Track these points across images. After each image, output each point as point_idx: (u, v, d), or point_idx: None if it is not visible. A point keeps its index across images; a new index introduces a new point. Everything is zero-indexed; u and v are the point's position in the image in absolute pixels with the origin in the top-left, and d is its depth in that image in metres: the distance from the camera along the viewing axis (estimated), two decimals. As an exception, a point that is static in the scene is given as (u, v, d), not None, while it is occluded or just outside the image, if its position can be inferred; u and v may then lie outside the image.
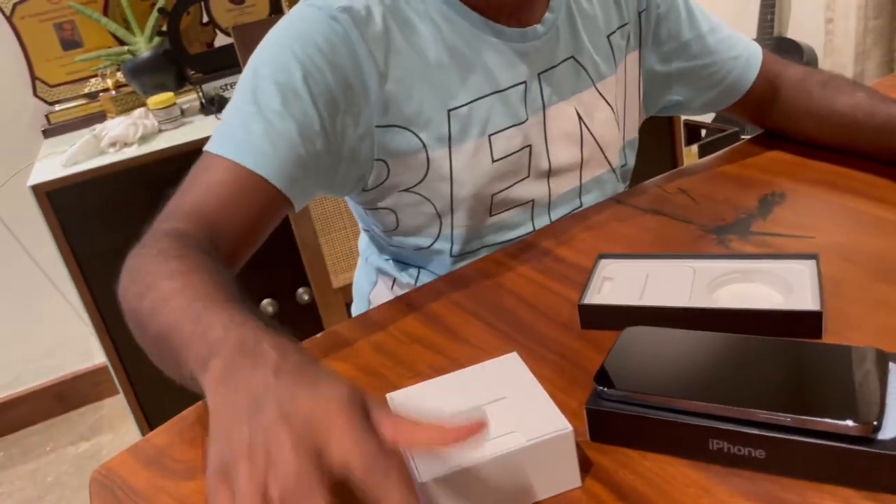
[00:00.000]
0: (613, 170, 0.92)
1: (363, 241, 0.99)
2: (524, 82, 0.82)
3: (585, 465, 0.50)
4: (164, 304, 0.55)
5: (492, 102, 0.80)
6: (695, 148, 2.42)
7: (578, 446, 0.48)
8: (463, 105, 0.79)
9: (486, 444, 0.46)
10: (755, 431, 0.45)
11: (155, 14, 1.88)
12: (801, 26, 2.68)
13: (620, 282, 0.68)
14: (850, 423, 0.43)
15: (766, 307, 0.59)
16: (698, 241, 0.76)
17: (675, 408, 0.48)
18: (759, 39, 2.47)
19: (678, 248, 0.76)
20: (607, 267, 0.70)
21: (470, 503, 0.46)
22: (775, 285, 0.63)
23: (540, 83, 0.83)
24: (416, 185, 0.81)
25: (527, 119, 0.82)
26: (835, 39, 2.43)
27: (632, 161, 0.98)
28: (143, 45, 1.86)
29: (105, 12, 1.92)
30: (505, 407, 0.51)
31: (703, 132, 2.60)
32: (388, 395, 0.55)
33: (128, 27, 1.89)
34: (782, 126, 0.96)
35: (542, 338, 0.65)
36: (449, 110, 0.78)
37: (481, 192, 0.82)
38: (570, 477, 0.48)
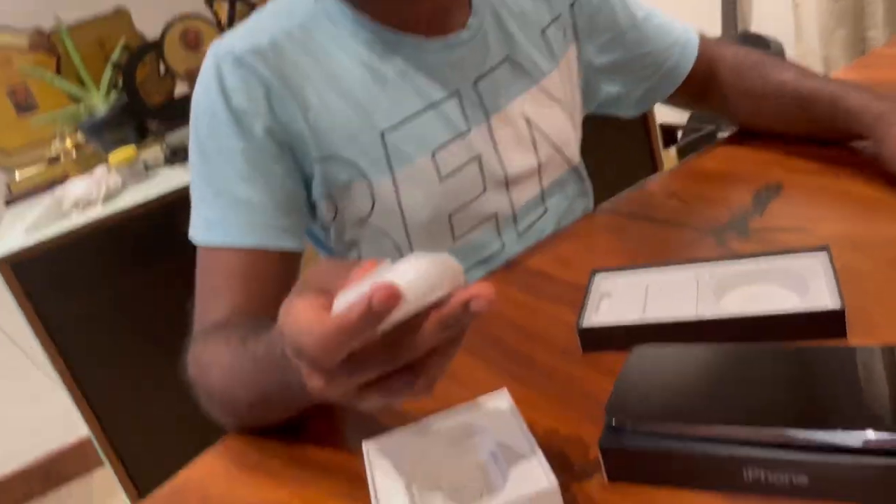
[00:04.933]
0: (574, 168, 0.89)
1: None
2: (458, 92, 0.77)
3: (606, 512, 0.44)
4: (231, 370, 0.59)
5: (427, 118, 0.76)
6: (673, 151, 2.39)
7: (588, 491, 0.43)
8: (396, 125, 0.75)
9: (467, 501, 0.42)
10: (796, 455, 0.40)
11: (109, 69, 1.83)
12: (764, 18, 2.68)
13: (619, 298, 0.63)
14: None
15: (782, 310, 0.54)
16: (696, 245, 0.71)
17: (703, 436, 0.42)
18: (724, 35, 2.46)
19: (676, 254, 0.71)
20: (603, 282, 0.65)
21: None
22: (787, 284, 0.58)
23: (477, 90, 0.78)
24: (367, 217, 0.77)
25: (469, 129, 0.78)
26: (802, 24, 2.42)
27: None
28: (99, 102, 1.81)
29: (58, 71, 1.87)
30: (489, 455, 0.47)
31: (679, 133, 2.58)
32: (363, 444, 0.50)
33: (83, 85, 1.83)
34: (721, 109, 0.93)
35: (541, 367, 0.60)
36: (382, 132, 0.74)
37: (436, 215, 0.78)
38: None
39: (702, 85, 0.92)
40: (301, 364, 0.41)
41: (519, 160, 0.81)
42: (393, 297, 0.35)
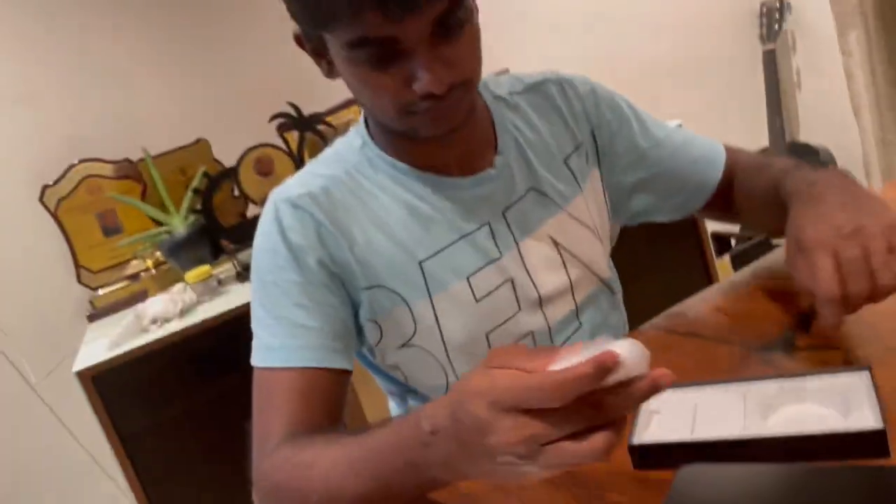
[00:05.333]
0: (604, 282, 0.93)
1: (391, 405, 0.99)
2: (488, 223, 0.84)
3: None
4: (337, 473, 0.62)
5: (461, 247, 0.83)
6: (727, 259, 2.40)
7: None
8: (433, 255, 0.82)
9: None
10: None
11: (189, 194, 1.98)
12: (810, 127, 2.73)
13: (669, 415, 0.65)
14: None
15: (825, 430, 0.56)
16: (743, 363, 0.74)
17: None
18: (772, 146, 2.51)
19: (723, 372, 0.73)
20: (652, 400, 0.68)
21: None
22: (831, 403, 0.60)
23: (506, 219, 0.85)
24: (410, 339, 0.83)
25: (501, 255, 0.84)
26: (862, 133, 2.44)
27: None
28: (179, 224, 1.95)
29: (143, 197, 2.03)
30: None
31: (733, 241, 2.59)
32: None
33: (164, 209, 1.99)
34: (742, 216, 0.95)
35: (594, 483, 0.62)
36: (420, 262, 0.82)
37: (474, 335, 0.84)
38: None
39: (728, 197, 0.95)
40: (497, 419, 0.46)
41: (550, 280, 0.87)
42: (616, 362, 0.44)
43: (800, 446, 0.56)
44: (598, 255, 0.92)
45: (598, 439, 0.46)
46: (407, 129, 0.76)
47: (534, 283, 0.86)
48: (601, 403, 0.45)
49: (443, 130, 0.76)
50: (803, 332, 0.75)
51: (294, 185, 0.83)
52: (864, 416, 0.56)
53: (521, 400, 0.46)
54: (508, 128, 0.88)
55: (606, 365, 0.44)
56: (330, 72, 0.77)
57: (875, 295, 0.64)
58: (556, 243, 0.88)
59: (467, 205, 0.84)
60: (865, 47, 2.30)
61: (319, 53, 0.76)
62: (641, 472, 0.61)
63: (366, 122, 0.87)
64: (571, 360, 0.46)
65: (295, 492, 0.66)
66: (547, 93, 0.92)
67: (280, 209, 0.81)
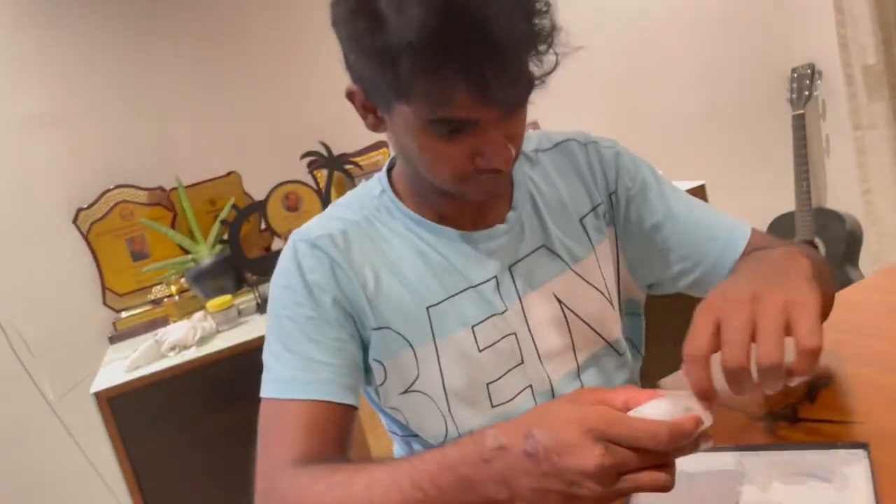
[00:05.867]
0: (610, 344, 0.92)
1: (395, 450, 0.99)
2: (495, 277, 0.86)
3: None
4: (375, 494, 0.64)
5: (469, 296, 0.85)
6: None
7: None
8: (440, 302, 0.84)
9: None
10: None
11: (217, 225, 2.03)
12: (838, 195, 2.72)
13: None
14: None
15: (820, 506, 0.56)
16: (745, 430, 0.74)
17: None
18: (798, 211, 2.51)
19: (725, 438, 0.74)
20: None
21: None
22: (828, 479, 0.60)
23: (511, 275, 0.87)
24: (413, 384, 0.85)
25: (506, 309, 0.86)
26: (876, 211, 2.44)
27: (638, 326, 0.99)
28: (205, 253, 2.00)
29: (173, 225, 2.09)
30: None
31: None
32: None
33: (192, 237, 2.04)
34: None
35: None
36: (427, 307, 0.84)
37: (474, 383, 0.85)
38: None
39: None
40: (587, 444, 0.54)
41: (551, 339, 0.88)
42: (700, 423, 0.55)
43: (793, 520, 0.56)
44: (607, 316, 0.91)
45: (662, 475, 0.54)
46: (456, 194, 0.79)
47: (534, 340, 0.87)
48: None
49: (488, 196, 0.80)
50: (808, 403, 0.76)
51: (314, 227, 0.86)
52: (858, 496, 0.56)
53: (619, 435, 0.54)
54: (526, 183, 0.90)
55: (698, 424, 0.55)
56: (376, 126, 0.79)
57: (760, 373, 0.56)
58: (559, 301, 0.88)
59: (477, 257, 0.86)
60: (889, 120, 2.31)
61: (369, 108, 0.77)
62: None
63: (388, 169, 0.90)
64: (660, 408, 0.55)
65: None
66: (570, 152, 0.93)
67: (299, 249, 0.84)
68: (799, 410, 0.75)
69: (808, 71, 2.58)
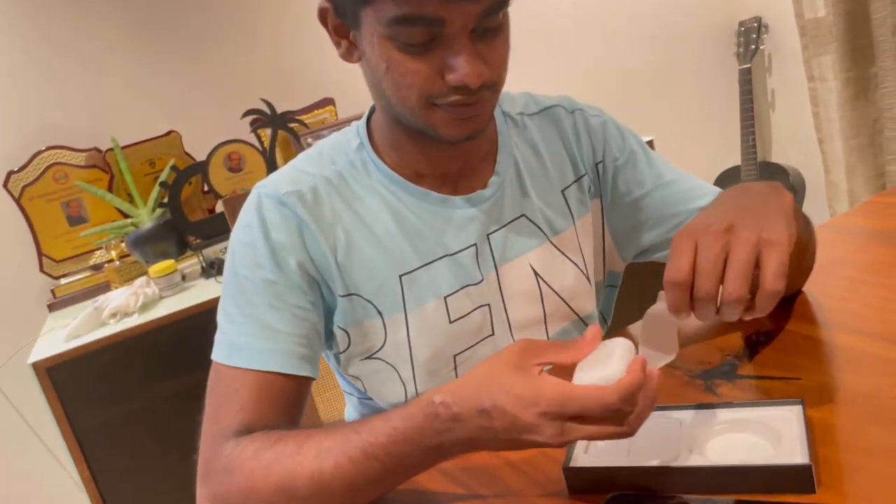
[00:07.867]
0: (581, 319, 0.91)
1: (348, 410, 0.98)
2: (475, 244, 0.83)
3: None
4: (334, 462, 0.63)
5: (444, 265, 0.82)
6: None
7: None
8: (414, 270, 0.81)
9: None
10: None
11: (157, 188, 1.96)
12: (783, 149, 2.77)
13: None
14: None
15: (754, 462, 0.57)
16: (685, 388, 0.74)
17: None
18: (743, 165, 2.54)
19: (665, 397, 0.74)
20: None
21: None
22: (765, 435, 0.61)
23: (489, 242, 0.84)
24: (377, 351, 0.82)
25: (482, 279, 0.83)
26: (828, 159, 2.49)
27: (612, 297, 0.99)
28: (145, 217, 1.93)
29: (110, 188, 2.01)
30: None
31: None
32: None
33: (131, 201, 1.96)
34: None
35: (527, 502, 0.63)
36: (401, 276, 0.80)
37: (441, 354, 0.82)
38: None
39: None
40: (543, 425, 0.55)
41: (524, 310, 0.86)
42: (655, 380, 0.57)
43: (729, 478, 0.56)
44: (581, 290, 0.90)
45: (607, 429, 0.55)
46: (426, 126, 0.74)
47: (506, 311, 0.85)
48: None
49: (462, 134, 0.74)
50: (746, 360, 0.76)
51: (281, 180, 0.80)
52: (793, 451, 0.57)
53: (572, 412, 0.55)
54: (511, 148, 0.87)
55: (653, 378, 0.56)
56: (348, 53, 0.75)
57: (723, 304, 0.58)
58: (536, 273, 0.86)
59: (456, 223, 0.83)
60: (836, 73, 2.34)
61: (342, 33, 0.74)
62: (575, 497, 0.62)
63: (367, 122, 0.85)
64: (609, 365, 0.56)
65: (274, 479, 0.64)
66: (557, 118, 0.91)
67: (264, 204, 0.78)
68: (738, 368, 0.75)
69: (755, 24, 2.59)
